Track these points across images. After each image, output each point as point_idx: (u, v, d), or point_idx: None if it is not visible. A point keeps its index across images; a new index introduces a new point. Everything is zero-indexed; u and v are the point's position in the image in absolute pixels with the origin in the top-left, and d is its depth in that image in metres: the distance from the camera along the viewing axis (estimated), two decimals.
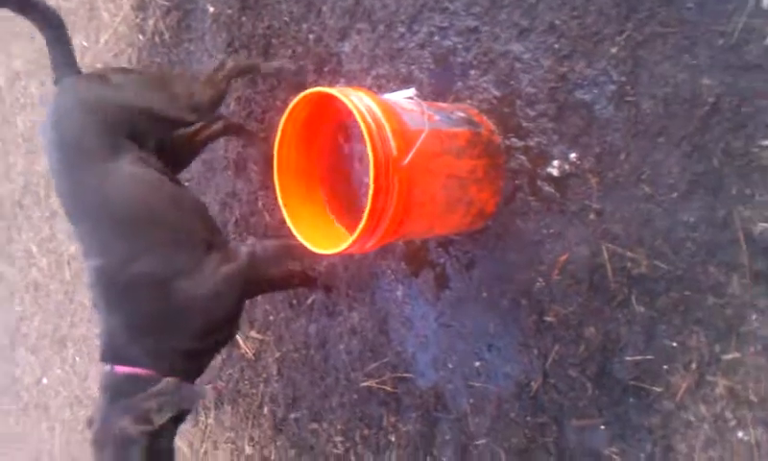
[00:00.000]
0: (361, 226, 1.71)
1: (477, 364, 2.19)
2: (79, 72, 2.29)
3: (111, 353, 2.06)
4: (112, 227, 2.07)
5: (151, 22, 3.30)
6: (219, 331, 2.17)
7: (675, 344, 1.78)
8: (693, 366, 1.74)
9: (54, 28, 2.30)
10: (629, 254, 1.84)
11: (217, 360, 3.12)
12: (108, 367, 2.06)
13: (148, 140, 2.19)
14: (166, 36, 3.21)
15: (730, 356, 1.69)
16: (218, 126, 2.51)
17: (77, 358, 4.14)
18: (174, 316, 2.06)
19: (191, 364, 2.15)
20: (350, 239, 1.75)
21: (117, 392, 2.02)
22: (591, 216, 1.90)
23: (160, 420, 1.97)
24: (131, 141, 2.14)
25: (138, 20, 3.39)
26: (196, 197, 2.38)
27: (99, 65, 3.64)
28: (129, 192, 2.08)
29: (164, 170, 2.21)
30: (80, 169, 2.10)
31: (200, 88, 2.37)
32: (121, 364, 2.04)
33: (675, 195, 1.75)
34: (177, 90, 2.33)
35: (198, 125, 2.37)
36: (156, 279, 2.04)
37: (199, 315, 2.09)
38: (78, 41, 3.83)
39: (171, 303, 2.05)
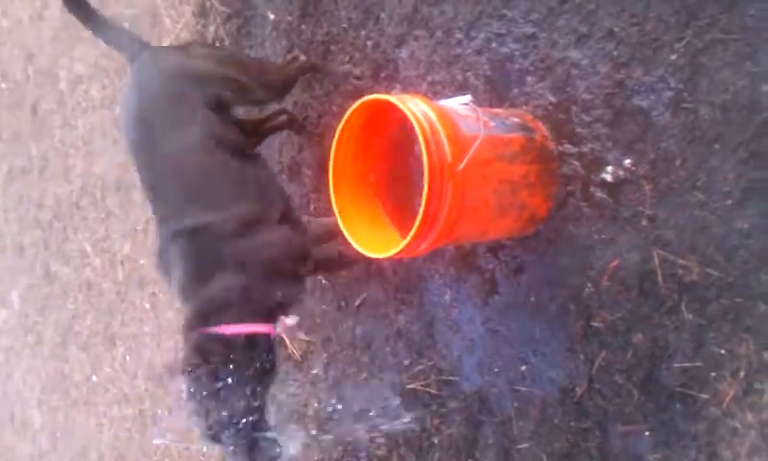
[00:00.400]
0: (414, 229, 1.74)
1: (523, 368, 2.20)
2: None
3: (214, 316, 2.07)
4: (194, 190, 2.14)
5: (212, 29, 3.38)
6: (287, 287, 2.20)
7: (723, 351, 1.78)
8: (741, 374, 1.74)
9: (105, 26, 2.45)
10: (680, 261, 1.85)
11: None
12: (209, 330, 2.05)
13: (225, 111, 2.29)
14: (227, 42, 3.28)
15: None
16: (283, 118, 2.75)
17: (127, 357, 4.22)
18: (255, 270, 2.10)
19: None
20: (403, 243, 1.78)
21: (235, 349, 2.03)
22: (644, 222, 1.91)
23: None
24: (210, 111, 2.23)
25: (199, 27, 3.47)
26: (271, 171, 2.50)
27: None
28: (214, 157, 2.17)
29: (244, 142, 2.31)
30: (163, 135, 2.18)
31: (273, 69, 2.58)
32: (225, 324, 2.05)
33: (729, 202, 1.76)
34: (252, 67, 2.51)
35: (264, 114, 2.57)
36: (238, 241, 2.09)
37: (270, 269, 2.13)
38: None
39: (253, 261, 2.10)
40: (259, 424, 2.02)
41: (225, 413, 1.96)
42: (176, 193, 2.16)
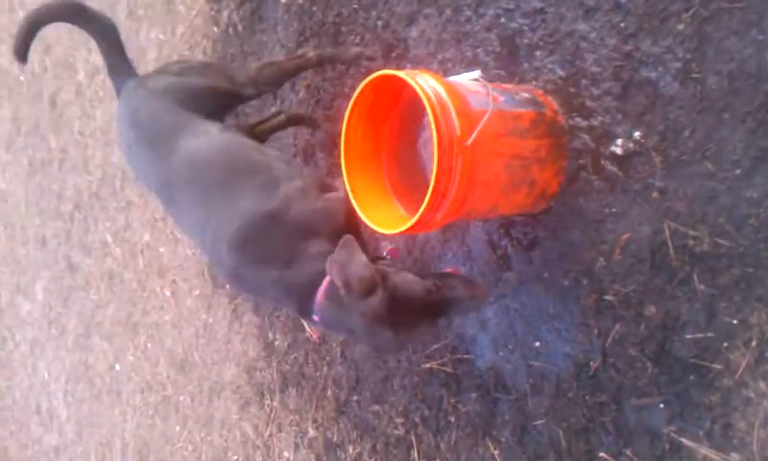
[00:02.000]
0: (425, 204, 1.75)
1: (537, 344, 2.21)
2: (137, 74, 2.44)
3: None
4: (238, 177, 2.15)
5: (225, 14, 3.40)
6: None
7: (736, 321, 1.77)
8: (753, 343, 1.74)
9: (109, 36, 2.46)
10: (691, 232, 1.84)
11: (283, 344, 3.19)
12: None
13: (219, 116, 2.31)
14: (240, 27, 3.31)
15: None
16: (279, 119, 2.77)
17: (148, 345, 4.26)
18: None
19: None
20: (415, 217, 1.79)
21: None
22: (654, 194, 1.91)
23: None
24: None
25: (213, 12, 3.50)
26: None
27: (175, 57, 3.76)
28: (243, 142, 2.26)
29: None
30: (168, 149, 2.20)
31: (255, 66, 2.53)
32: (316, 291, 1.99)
33: (738, 172, 1.75)
34: (232, 67, 2.65)
35: (262, 116, 2.60)
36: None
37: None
38: (155, 35, 3.97)
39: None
40: None
41: None
42: (216, 189, 2.14)
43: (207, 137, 2.21)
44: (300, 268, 2.02)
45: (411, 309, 1.85)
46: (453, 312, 2.05)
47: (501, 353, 2.31)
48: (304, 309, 2.03)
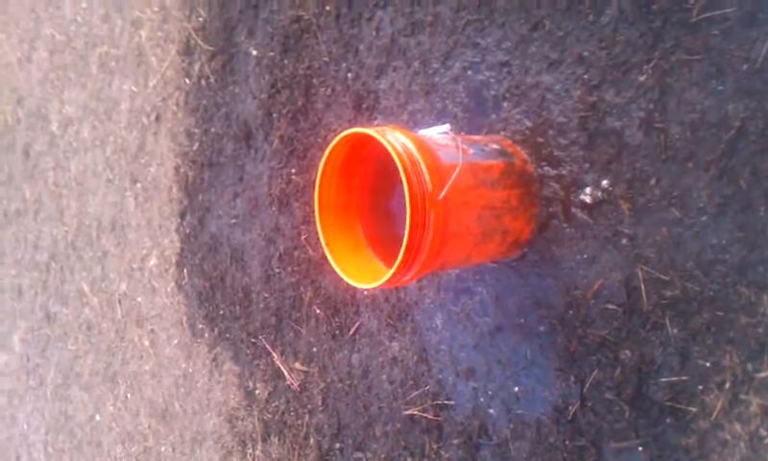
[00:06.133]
0: (398, 261, 1.77)
1: (516, 390, 2.23)
2: None
3: None
4: None
5: (197, 66, 3.43)
6: None
7: (709, 364, 1.80)
8: (727, 386, 1.77)
9: None
10: (662, 277, 1.87)
11: (264, 392, 3.19)
12: None
13: None
14: (212, 79, 3.33)
15: (763, 374, 1.71)
16: None
17: (128, 395, 4.23)
18: None
19: None
20: (389, 273, 1.81)
21: None
22: (624, 241, 1.94)
23: None
24: None
25: (185, 64, 3.52)
26: None
27: (148, 109, 3.78)
28: None
29: None
30: None
31: None
32: None
33: (705, 218, 1.79)
34: None
35: None
36: None
37: None
38: (127, 86, 3.98)
39: None
40: None
41: None
42: None
43: None
44: None
45: None
46: None
47: (482, 399, 2.33)
48: None
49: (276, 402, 3.14)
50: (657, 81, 1.85)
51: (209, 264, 3.45)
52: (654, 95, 1.86)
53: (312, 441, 2.97)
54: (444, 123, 2.08)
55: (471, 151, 2.00)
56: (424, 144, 1.88)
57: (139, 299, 4.07)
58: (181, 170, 3.59)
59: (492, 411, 2.30)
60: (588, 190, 2.01)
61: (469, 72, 2.27)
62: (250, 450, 3.30)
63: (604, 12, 1.95)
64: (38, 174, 4.96)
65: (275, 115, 3.00)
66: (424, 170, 1.80)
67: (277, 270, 3.04)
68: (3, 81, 5.35)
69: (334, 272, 1.98)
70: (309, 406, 2.98)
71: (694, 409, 1.83)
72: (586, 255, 2.03)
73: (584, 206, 2.02)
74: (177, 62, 3.58)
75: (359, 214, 2.10)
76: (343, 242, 2.04)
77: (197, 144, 3.46)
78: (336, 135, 1.91)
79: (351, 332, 2.77)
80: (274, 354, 3.10)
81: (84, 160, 4.44)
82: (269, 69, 3.01)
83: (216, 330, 3.45)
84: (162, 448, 3.92)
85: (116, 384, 4.34)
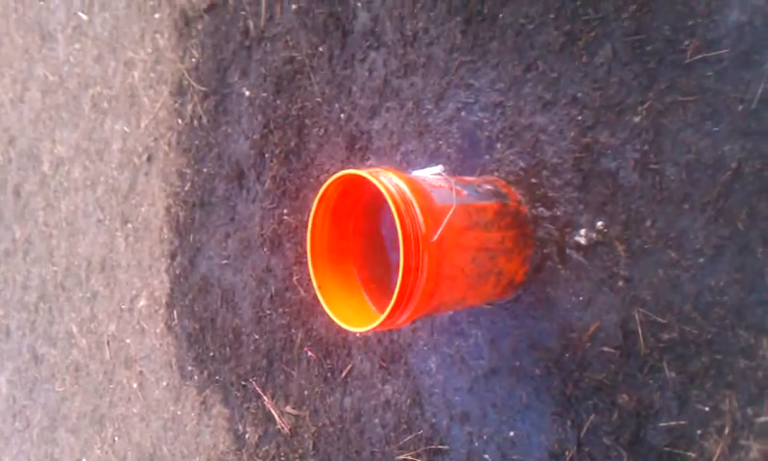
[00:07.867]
0: (392, 304, 1.75)
1: (511, 434, 2.19)
2: None
3: None
4: None
5: (189, 107, 3.42)
6: None
7: (707, 408, 1.77)
8: (726, 431, 1.74)
9: None
10: (659, 319, 1.85)
11: (254, 436, 3.14)
12: None
13: None
14: (204, 119, 3.32)
15: (762, 419, 1.68)
16: None
17: (116, 438, 4.17)
18: None
19: None
20: (382, 317, 1.79)
21: None
22: (620, 283, 1.92)
23: None
24: None
25: (177, 105, 3.51)
26: None
27: (140, 149, 3.77)
28: None
29: None
30: None
31: None
32: None
33: (702, 260, 1.77)
34: None
35: None
36: None
37: None
38: (119, 127, 3.97)
39: None
40: None
41: None
42: None
43: None
44: None
45: None
46: None
47: (476, 444, 2.28)
48: None
49: (267, 447, 3.09)
50: (651, 122, 1.84)
51: (199, 305, 3.41)
52: (649, 136, 1.85)
53: None
54: (438, 164, 2.07)
55: (465, 192, 1.98)
56: (418, 185, 1.87)
57: (128, 340, 4.02)
58: (173, 210, 3.57)
59: (487, 456, 2.26)
60: (582, 232, 1.99)
61: (463, 113, 2.27)
62: None
63: (597, 53, 1.95)
64: (29, 214, 4.93)
65: (267, 156, 2.99)
66: (418, 212, 1.78)
67: (269, 311, 3.01)
68: None
69: (326, 313, 1.95)
70: (300, 451, 2.93)
71: (693, 455, 1.80)
72: (581, 298, 2.01)
73: (579, 247, 2.00)
74: (169, 103, 3.58)
75: (352, 256, 2.07)
76: (335, 284, 2.02)
77: (188, 184, 3.44)
78: (329, 176, 1.89)
79: (343, 375, 2.73)
80: (264, 397, 3.05)
81: (75, 201, 4.41)
82: (261, 109, 3.00)
83: (205, 373, 3.40)
84: None
85: (104, 427, 4.27)
